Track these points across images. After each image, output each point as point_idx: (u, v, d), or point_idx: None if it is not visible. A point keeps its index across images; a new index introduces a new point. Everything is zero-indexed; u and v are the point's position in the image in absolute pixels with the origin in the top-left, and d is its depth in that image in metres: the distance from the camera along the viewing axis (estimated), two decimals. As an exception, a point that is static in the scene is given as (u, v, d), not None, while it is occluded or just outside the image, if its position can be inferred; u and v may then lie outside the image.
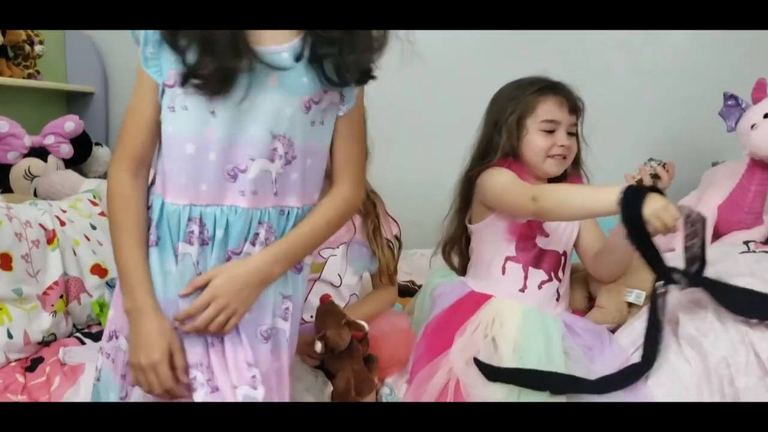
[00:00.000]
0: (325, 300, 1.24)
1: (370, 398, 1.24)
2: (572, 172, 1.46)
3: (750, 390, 1.16)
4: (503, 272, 1.40)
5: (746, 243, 1.56)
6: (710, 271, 1.34)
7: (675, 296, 1.36)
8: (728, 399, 1.17)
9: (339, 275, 1.40)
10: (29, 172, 1.85)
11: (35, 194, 1.82)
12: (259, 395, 0.96)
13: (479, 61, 1.60)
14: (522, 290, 1.38)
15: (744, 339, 1.20)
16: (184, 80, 0.92)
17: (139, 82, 0.98)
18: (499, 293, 1.37)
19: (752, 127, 1.64)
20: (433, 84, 1.91)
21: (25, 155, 1.85)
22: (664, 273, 1.18)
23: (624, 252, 1.34)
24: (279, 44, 0.95)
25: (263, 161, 0.96)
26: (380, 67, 1.00)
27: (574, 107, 1.41)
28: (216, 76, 0.91)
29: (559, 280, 1.40)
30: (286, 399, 1.04)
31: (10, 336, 1.30)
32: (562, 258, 1.41)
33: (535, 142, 1.40)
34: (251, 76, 0.93)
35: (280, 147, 0.96)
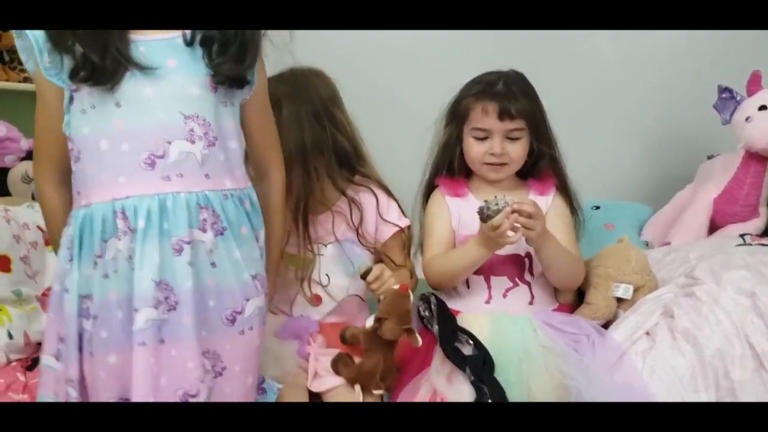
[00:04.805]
0: (404, 289, 1.19)
1: (378, 394, 1.23)
2: (544, 170, 1.40)
3: (745, 383, 1.17)
4: (468, 286, 1.38)
5: (742, 236, 1.57)
6: (705, 265, 1.35)
7: (670, 289, 1.37)
8: (724, 392, 1.17)
9: (327, 275, 1.39)
10: (27, 175, 1.85)
11: (33, 197, 1.83)
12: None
13: (469, 57, 1.60)
14: (487, 302, 1.35)
15: (739, 332, 1.20)
16: (73, 76, 0.94)
17: (40, 94, 1.00)
18: (466, 308, 1.34)
19: (747, 119, 1.65)
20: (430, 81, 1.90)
21: (23, 159, 1.85)
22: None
23: (557, 267, 1.32)
24: (169, 31, 0.98)
25: (182, 143, 0.95)
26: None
27: (506, 113, 1.32)
28: (99, 70, 0.93)
29: (527, 284, 1.37)
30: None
31: (10, 336, 1.31)
32: (526, 260, 1.37)
33: (468, 149, 1.38)
34: (147, 62, 0.95)
35: (196, 128, 0.96)
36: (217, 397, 0.99)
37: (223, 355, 0.99)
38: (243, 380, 1.01)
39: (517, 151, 1.36)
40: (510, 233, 1.23)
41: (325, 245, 1.38)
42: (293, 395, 1.21)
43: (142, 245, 0.94)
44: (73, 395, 0.98)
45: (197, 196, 0.96)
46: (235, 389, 1.01)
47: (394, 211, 1.41)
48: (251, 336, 1.02)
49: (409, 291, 1.21)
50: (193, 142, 0.96)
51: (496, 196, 1.24)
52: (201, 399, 0.96)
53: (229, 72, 0.98)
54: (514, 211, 1.22)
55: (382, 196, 1.40)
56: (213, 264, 0.97)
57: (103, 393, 0.98)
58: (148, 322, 0.94)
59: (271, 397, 1.11)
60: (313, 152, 1.31)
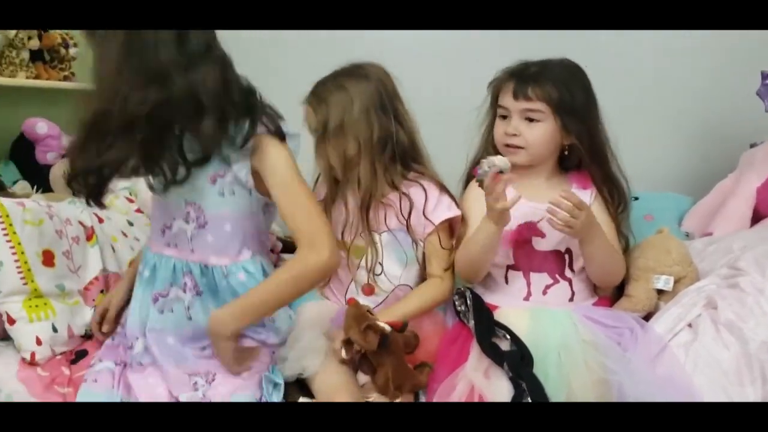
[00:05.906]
0: (351, 302, 1.24)
1: (407, 397, 1.22)
2: (584, 168, 1.37)
3: (793, 375, 1.14)
4: (506, 282, 1.36)
5: (787, 225, 1.53)
6: (749, 256, 1.32)
7: (712, 281, 1.34)
8: (771, 385, 1.14)
9: (380, 264, 1.39)
10: (68, 171, 1.89)
11: (74, 193, 1.87)
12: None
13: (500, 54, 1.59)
14: (526, 298, 1.34)
15: (786, 324, 1.17)
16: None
17: None
18: (504, 303, 1.33)
19: (792, 106, 1.60)
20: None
21: (64, 155, 1.89)
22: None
23: (597, 262, 1.30)
24: None
25: (180, 222, 1.23)
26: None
27: (521, 92, 1.32)
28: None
29: (569, 280, 1.35)
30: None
31: (55, 330, 1.33)
32: (566, 256, 1.34)
33: (495, 129, 1.38)
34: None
35: (192, 211, 1.21)
36: (218, 395, 1.19)
37: (210, 369, 1.22)
38: (232, 378, 1.21)
39: (534, 135, 1.33)
40: (502, 202, 1.21)
41: (379, 234, 1.39)
42: (340, 385, 1.21)
43: (141, 290, 1.27)
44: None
45: (183, 264, 1.23)
46: (234, 385, 1.20)
47: (443, 206, 1.39)
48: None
49: (355, 300, 1.30)
50: (188, 222, 1.22)
51: (483, 160, 1.24)
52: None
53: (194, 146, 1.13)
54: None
55: (433, 192, 1.38)
56: (189, 318, 1.23)
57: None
58: (141, 348, 1.25)
59: (278, 389, 1.22)
60: (378, 145, 1.33)
